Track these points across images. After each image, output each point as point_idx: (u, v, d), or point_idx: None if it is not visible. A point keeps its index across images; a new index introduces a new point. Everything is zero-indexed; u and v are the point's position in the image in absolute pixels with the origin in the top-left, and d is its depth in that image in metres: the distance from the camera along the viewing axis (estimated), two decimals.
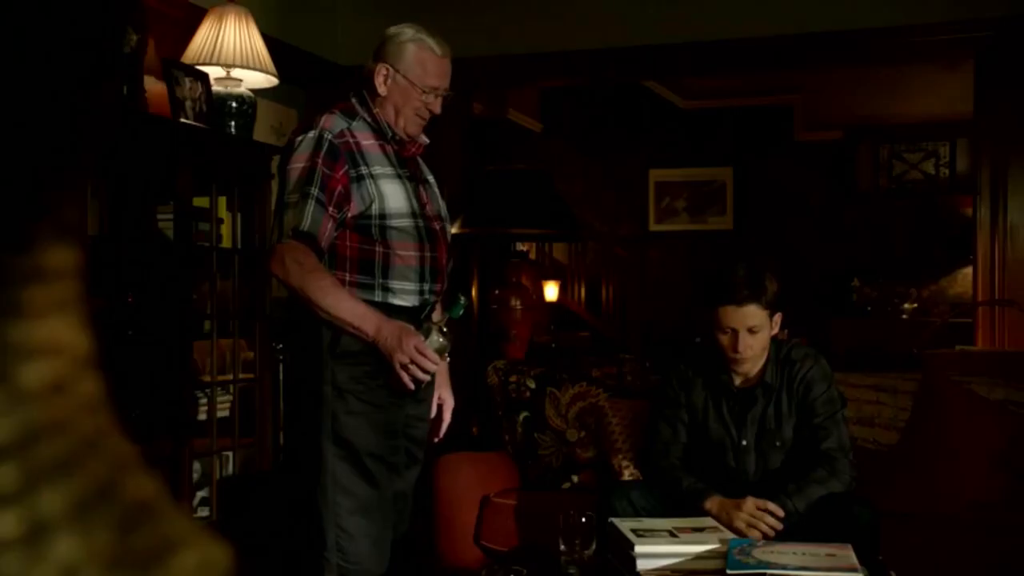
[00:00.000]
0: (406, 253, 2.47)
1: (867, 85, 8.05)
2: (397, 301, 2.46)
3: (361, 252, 2.45)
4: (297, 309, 2.47)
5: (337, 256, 2.46)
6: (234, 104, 3.77)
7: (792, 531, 2.63)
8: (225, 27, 3.72)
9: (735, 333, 2.78)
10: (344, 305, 2.37)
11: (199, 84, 3.59)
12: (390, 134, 2.53)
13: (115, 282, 3.11)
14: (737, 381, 2.91)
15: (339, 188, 2.41)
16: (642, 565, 2.34)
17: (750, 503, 2.69)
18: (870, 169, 9.03)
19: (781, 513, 2.68)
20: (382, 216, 2.45)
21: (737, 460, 2.90)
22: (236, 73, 3.80)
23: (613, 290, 9.20)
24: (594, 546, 2.52)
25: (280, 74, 3.93)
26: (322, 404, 2.42)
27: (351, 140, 2.47)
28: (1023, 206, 4.47)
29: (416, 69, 2.50)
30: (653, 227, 9.38)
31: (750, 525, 2.65)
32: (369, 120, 2.52)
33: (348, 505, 2.43)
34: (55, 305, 0.39)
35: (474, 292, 5.48)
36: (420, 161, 2.67)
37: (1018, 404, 3.34)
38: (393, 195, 2.46)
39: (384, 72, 2.50)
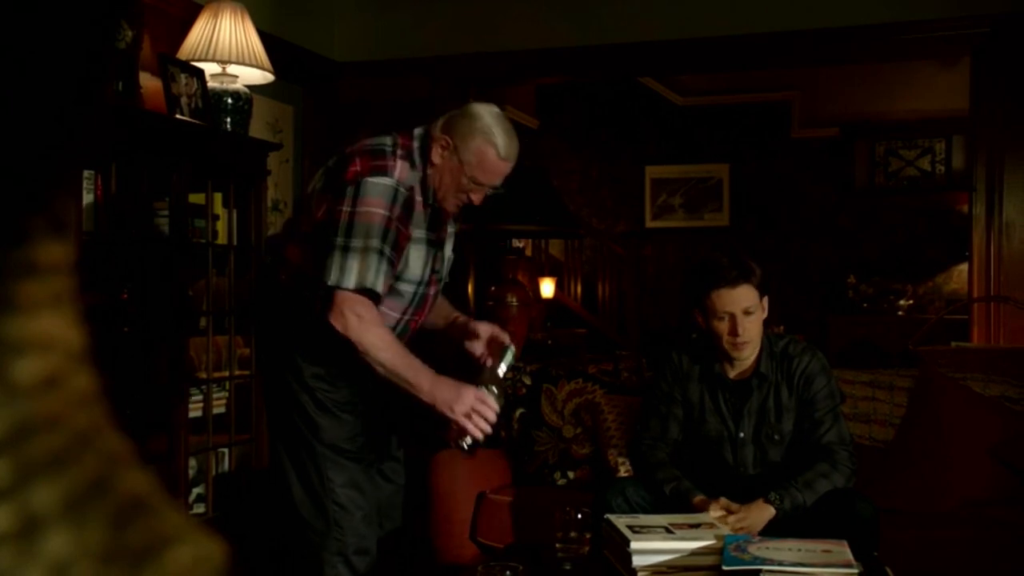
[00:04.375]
0: (390, 312, 2.48)
1: (863, 82, 8.05)
2: None
3: None
4: (268, 302, 2.52)
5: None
6: (230, 100, 3.77)
7: (795, 526, 2.63)
8: (221, 23, 3.72)
9: (732, 317, 2.75)
10: (400, 361, 2.36)
11: (195, 80, 3.58)
12: (431, 200, 2.51)
13: (111, 278, 3.11)
14: (732, 373, 2.89)
15: (404, 245, 2.42)
16: (638, 561, 2.34)
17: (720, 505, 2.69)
18: (866, 166, 9.03)
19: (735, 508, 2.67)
20: (396, 279, 2.45)
21: (735, 454, 2.88)
22: (232, 69, 3.79)
23: (609, 287, 9.20)
24: (590, 542, 2.52)
25: (276, 70, 3.93)
26: (292, 396, 2.48)
27: (415, 198, 2.46)
28: (1019, 202, 4.48)
29: (472, 159, 2.46)
30: (649, 224, 9.39)
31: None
32: (421, 177, 2.49)
33: (340, 480, 2.48)
34: (49, 300, 0.39)
35: (470, 289, 5.48)
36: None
37: (1013, 400, 3.34)
38: (415, 262, 2.47)
39: (444, 144, 2.46)
